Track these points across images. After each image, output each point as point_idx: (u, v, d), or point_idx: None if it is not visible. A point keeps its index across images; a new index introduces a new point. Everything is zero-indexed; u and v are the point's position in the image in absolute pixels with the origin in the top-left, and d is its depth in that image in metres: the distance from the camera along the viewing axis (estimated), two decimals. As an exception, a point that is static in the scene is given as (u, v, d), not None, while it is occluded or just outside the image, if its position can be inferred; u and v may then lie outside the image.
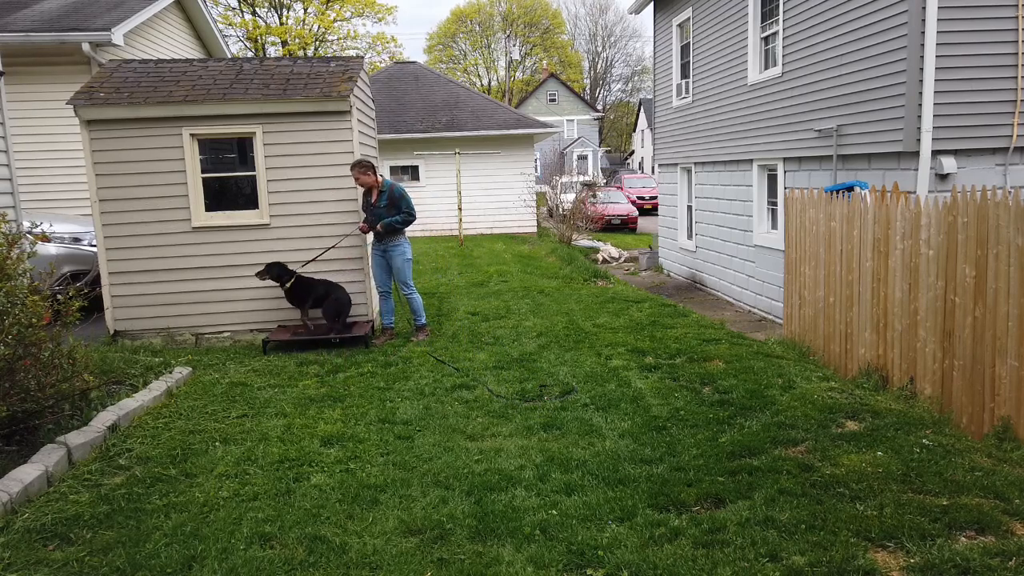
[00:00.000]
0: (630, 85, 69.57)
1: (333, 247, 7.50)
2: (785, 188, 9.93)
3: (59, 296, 4.99)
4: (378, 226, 7.31)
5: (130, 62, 8.12)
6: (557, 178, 22.62)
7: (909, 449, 4.32)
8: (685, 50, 13.81)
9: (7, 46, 10.13)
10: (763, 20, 10.48)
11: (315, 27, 42.08)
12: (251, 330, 7.67)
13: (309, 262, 7.39)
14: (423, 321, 7.76)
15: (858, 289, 6.24)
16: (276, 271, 7.19)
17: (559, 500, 3.85)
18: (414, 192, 19.22)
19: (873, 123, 7.82)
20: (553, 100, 55.17)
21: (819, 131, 8.82)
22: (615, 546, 3.35)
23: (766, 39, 10.54)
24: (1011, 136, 7.30)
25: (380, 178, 7.36)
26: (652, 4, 15.21)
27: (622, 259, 17.77)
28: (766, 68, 10.52)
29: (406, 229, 7.45)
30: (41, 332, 4.54)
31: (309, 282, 7.33)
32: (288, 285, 7.21)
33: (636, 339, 7.34)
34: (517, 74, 64.45)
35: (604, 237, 21.42)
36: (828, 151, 8.72)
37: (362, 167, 7.20)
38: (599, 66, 68.99)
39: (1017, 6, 7.12)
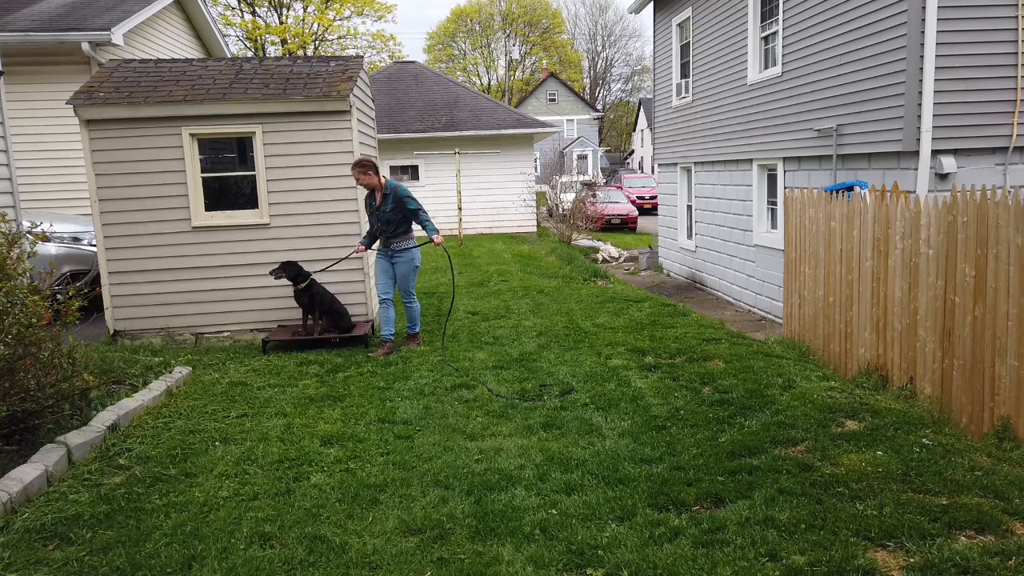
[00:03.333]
0: (630, 85, 69.65)
1: (345, 258, 7.41)
2: (785, 188, 9.93)
3: (59, 296, 4.99)
4: (397, 236, 7.06)
5: (130, 62, 8.12)
6: (557, 178, 22.61)
7: (909, 449, 4.32)
8: (685, 50, 13.81)
9: (6, 46, 10.13)
10: (763, 20, 10.48)
11: (315, 26, 42.05)
12: (251, 330, 7.67)
13: (321, 271, 7.32)
14: (417, 330, 7.45)
15: (858, 289, 6.24)
16: (293, 271, 7.12)
17: (559, 500, 3.85)
18: (413, 192, 19.35)
19: (873, 123, 7.82)
20: (553, 100, 55.17)
21: (819, 131, 8.82)
22: (615, 546, 3.36)
23: (766, 39, 10.54)
24: (1011, 136, 7.30)
25: (383, 179, 7.03)
26: (652, 4, 15.21)
27: (622, 259, 17.76)
28: (766, 68, 10.52)
29: (414, 230, 7.19)
30: (41, 332, 4.54)
31: (322, 289, 7.30)
32: (303, 286, 7.15)
33: (636, 339, 7.34)
34: (517, 74, 64.48)
35: (604, 237, 21.42)
36: (828, 151, 8.72)
37: (363, 167, 6.87)
38: (599, 66, 69.02)
39: (1017, 6, 7.13)
